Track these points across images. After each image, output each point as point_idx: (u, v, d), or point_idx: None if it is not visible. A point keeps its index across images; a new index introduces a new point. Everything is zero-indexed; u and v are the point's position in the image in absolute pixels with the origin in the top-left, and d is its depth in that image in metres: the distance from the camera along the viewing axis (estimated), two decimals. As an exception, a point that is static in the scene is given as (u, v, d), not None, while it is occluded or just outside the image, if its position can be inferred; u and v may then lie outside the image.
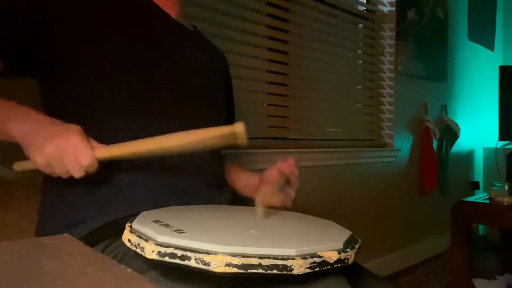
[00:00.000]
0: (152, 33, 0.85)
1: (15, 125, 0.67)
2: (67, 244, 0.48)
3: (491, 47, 3.52)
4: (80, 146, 0.63)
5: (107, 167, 0.70)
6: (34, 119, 0.67)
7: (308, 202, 1.78)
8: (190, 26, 0.98)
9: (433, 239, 2.73)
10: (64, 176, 0.65)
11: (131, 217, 0.63)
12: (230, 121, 1.05)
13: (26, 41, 0.74)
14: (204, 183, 0.84)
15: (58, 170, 0.64)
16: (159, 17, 0.88)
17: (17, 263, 0.40)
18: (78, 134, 0.64)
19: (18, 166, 0.71)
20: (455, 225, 1.89)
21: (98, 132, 0.69)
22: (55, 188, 0.79)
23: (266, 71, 1.72)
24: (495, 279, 2.15)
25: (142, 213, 0.64)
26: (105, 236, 0.73)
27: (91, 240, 0.72)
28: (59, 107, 0.79)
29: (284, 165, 0.86)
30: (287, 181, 0.85)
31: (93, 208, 0.74)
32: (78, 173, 0.64)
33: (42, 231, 0.79)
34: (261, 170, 0.93)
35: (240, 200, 0.94)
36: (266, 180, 0.86)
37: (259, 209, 0.71)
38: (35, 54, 0.75)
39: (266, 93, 1.75)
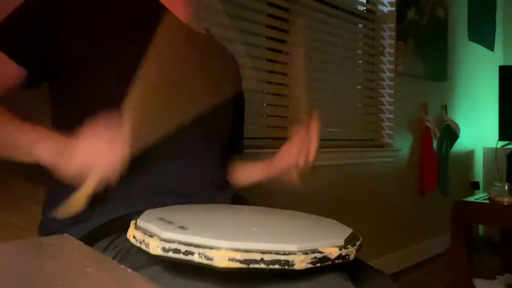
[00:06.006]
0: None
1: (43, 146, 0.68)
2: (67, 244, 0.48)
3: (491, 47, 3.52)
4: (108, 145, 0.65)
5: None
6: (59, 138, 0.69)
7: (308, 202, 1.78)
8: (202, 29, 0.98)
9: (433, 239, 2.73)
10: (96, 182, 0.65)
11: (135, 214, 0.64)
12: (237, 125, 1.05)
13: (41, 46, 0.76)
14: (206, 183, 0.84)
15: (92, 172, 0.64)
16: (168, 21, 0.88)
17: (17, 263, 0.40)
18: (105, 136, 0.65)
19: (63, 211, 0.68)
20: (455, 225, 1.89)
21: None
22: (59, 186, 0.79)
23: (266, 71, 1.72)
24: (495, 279, 2.15)
25: (147, 211, 0.65)
26: (109, 232, 0.74)
27: (95, 236, 0.73)
28: (68, 109, 0.80)
29: (302, 136, 0.87)
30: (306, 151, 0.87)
31: (96, 206, 0.74)
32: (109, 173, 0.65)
33: (45, 228, 0.80)
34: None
35: (242, 200, 0.94)
36: (283, 154, 0.88)
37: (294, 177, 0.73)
38: (50, 58, 0.77)
39: (266, 93, 1.75)
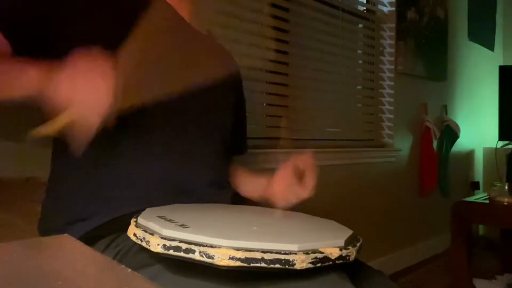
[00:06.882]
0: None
1: (32, 71, 0.64)
2: (67, 244, 0.48)
3: (491, 47, 3.52)
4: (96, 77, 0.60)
5: (111, 160, 0.71)
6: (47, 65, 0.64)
7: (307, 202, 1.78)
8: (204, 30, 0.98)
9: (433, 239, 2.73)
10: (86, 122, 0.60)
11: (135, 213, 0.64)
12: (238, 126, 1.05)
13: (39, 33, 0.74)
14: (207, 182, 0.84)
15: (80, 99, 0.59)
16: (171, 19, 0.88)
17: (17, 263, 0.40)
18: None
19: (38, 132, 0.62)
20: (455, 225, 1.89)
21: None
22: (58, 186, 0.79)
23: (266, 71, 1.72)
24: (495, 279, 2.15)
25: (147, 209, 0.66)
26: (109, 231, 0.74)
27: (95, 235, 0.73)
28: None
29: (298, 161, 0.86)
30: (302, 176, 0.86)
31: (96, 206, 0.75)
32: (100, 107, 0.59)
33: (45, 228, 0.80)
34: (263, 170, 0.93)
35: (242, 200, 0.94)
36: (278, 179, 0.87)
37: (277, 209, 0.73)
38: (46, 49, 0.75)
39: (266, 93, 1.75)
